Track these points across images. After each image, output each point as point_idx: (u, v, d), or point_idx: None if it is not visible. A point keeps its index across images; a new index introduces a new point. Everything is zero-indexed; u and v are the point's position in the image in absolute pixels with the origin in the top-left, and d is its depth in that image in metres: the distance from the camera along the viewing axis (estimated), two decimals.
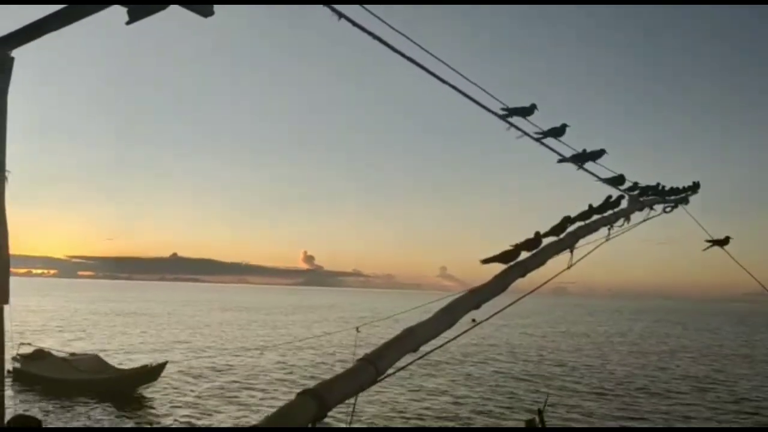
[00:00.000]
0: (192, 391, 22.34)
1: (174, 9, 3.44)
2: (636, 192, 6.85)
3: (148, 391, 21.43)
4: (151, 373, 21.60)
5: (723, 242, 7.38)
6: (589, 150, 6.48)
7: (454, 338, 3.82)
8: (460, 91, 4.54)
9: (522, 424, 7.99)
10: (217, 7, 3.45)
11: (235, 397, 21.60)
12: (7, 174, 3.23)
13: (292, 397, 2.53)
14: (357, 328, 9.01)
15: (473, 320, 4.19)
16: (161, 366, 21.80)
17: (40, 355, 23.38)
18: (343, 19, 3.46)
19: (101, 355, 25.57)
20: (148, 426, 17.35)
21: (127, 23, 3.50)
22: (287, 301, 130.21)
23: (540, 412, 7.57)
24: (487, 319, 4.23)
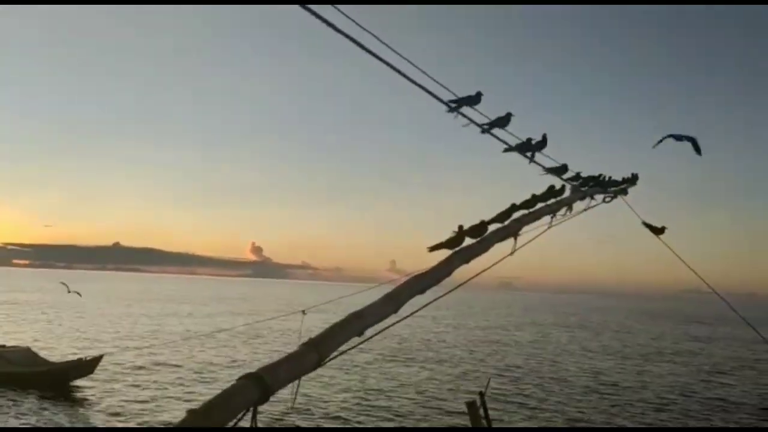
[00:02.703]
0: (128, 383, 21.74)
1: None
2: (578, 182, 7.02)
3: (82, 385, 20.68)
4: (86, 366, 20.83)
5: (659, 231, 7.56)
6: (533, 140, 6.59)
7: (399, 321, 3.83)
8: (410, 79, 4.44)
9: (463, 406, 8.06)
10: None
11: (175, 387, 21.13)
12: None
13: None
14: (303, 311, 8.77)
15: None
16: (97, 359, 21.08)
17: None
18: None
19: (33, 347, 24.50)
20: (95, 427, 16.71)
21: None
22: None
23: (482, 394, 7.65)
24: (430, 303, 4.23)
